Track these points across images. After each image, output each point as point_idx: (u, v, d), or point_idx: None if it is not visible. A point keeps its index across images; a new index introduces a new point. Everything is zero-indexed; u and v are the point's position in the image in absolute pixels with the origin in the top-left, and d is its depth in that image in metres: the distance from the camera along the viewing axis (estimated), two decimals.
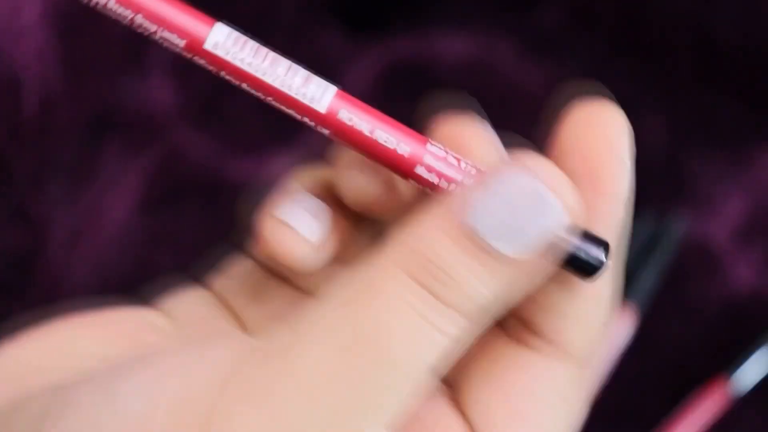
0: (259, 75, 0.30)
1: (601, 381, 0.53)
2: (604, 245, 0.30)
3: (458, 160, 0.31)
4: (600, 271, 0.29)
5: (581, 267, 0.29)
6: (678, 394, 0.53)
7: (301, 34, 0.56)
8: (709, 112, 0.55)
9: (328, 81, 0.31)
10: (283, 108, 0.30)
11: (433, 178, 0.30)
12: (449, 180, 0.30)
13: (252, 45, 0.30)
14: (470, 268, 0.28)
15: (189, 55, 0.30)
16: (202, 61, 0.30)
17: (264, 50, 0.30)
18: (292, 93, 0.30)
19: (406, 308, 0.28)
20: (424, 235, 0.28)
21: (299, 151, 0.55)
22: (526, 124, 0.57)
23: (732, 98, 0.55)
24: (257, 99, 0.30)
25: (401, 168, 0.30)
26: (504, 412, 0.31)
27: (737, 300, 0.54)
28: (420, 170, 0.30)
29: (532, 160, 0.29)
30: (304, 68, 0.31)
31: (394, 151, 0.30)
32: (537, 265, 0.29)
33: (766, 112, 0.55)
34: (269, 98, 0.30)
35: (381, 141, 0.30)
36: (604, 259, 0.30)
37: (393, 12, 0.57)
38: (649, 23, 0.56)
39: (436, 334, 0.28)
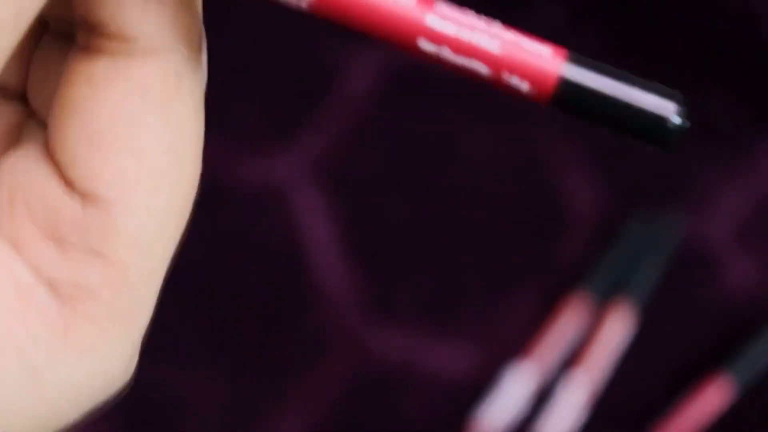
0: None
1: (602, 380, 0.53)
2: (672, 95, 0.24)
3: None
4: (675, 132, 0.24)
5: (648, 130, 0.24)
6: (678, 393, 0.53)
7: (300, 38, 0.56)
8: (709, 113, 0.55)
9: None
10: None
11: (435, 50, 0.25)
12: (472, 26, 0.24)
13: None
14: None
15: None
16: None
17: None
18: None
19: None
20: None
21: (299, 150, 0.55)
22: (523, 122, 0.57)
23: (732, 98, 0.55)
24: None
25: (409, 22, 0.25)
26: (81, 139, 0.27)
27: (736, 299, 0.54)
28: (432, 21, 0.25)
29: None
30: None
31: (396, 3, 0.25)
32: None
33: (766, 112, 0.55)
34: None
35: None
36: (669, 114, 0.24)
37: None
38: (647, 22, 0.56)
39: None
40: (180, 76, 0.27)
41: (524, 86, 0.24)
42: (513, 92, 0.25)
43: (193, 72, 0.27)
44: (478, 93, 0.56)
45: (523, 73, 0.24)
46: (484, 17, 0.25)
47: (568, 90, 0.24)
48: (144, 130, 0.26)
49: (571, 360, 0.53)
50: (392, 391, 0.53)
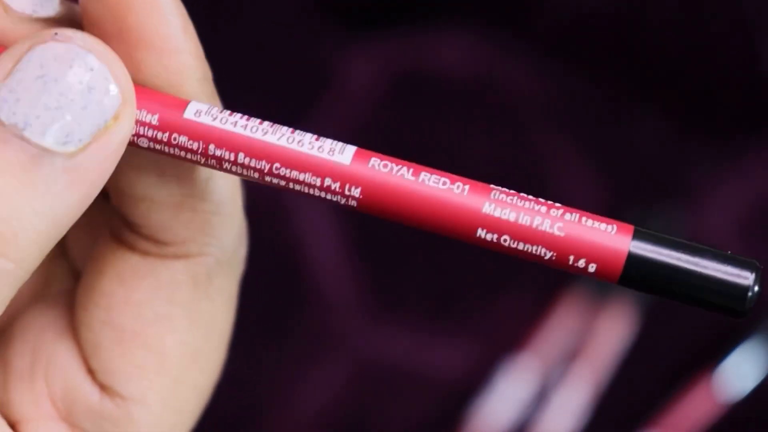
0: (258, 136, 0.24)
1: (602, 378, 0.53)
2: (749, 265, 0.23)
3: (535, 200, 0.24)
4: (749, 301, 0.23)
5: (725, 302, 0.23)
6: (676, 392, 0.53)
7: (300, 38, 0.56)
8: (708, 113, 0.55)
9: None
10: (294, 179, 0.24)
11: (508, 215, 0.24)
12: (531, 213, 0.24)
13: (239, 115, 0.25)
14: (11, 184, 0.23)
15: (163, 137, 0.24)
16: (182, 140, 0.24)
17: (257, 120, 0.25)
18: (305, 149, 0.24)
19: None
20: None
21: None
22: (523, 122, 0.57)
23: (730, 99, 0.56)
24: (258, 180, 0.25)
25: (464, 215, 0.24)
26: (105, 332, 0.26)
27: None
28: (490, 209, 0.24)
29: (58, 32, 0.23)
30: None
31: (450, 192, 0.24)
32: (97, 164, 0.23)
33: (764, 112, 0.55)
34: (274, 166, 0.24)
35: (430, 183, 0.24)
36: (750, 283, 0.23)
37: (393, 14, 0.57)
38: (646, 26, 0.56)
39: None
40: (211, 276, 0.27)
41: (591, 268, 0.23)
42: (579, 272, 0.23)
43: (226, 270, 0.27)
44: (478, 93, 0.56)
45: (590, 256, 0.23)
46: (542, 200, 0.24)
47: (637, 267, 0.23)
48: (168, 330, 0.26)
49: (571, 357, 0.53)
50: (392, 390, 0.53)
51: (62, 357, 0.27)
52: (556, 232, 0.23)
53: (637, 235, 0.23)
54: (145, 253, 0.26)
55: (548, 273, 0.54)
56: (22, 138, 0.23)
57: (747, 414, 0.52)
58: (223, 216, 0.27)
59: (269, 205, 0.54)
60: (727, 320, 0.53)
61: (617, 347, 0.53)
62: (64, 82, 0.23)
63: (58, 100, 0.23)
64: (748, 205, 0.55)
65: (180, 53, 0.25)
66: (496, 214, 0.24)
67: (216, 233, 0.26)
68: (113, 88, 0.23)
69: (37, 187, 0.23)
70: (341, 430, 0.53)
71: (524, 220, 0.23)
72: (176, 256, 0.26)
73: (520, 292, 0.53)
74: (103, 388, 0.26)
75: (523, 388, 0.52)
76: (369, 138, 0.54)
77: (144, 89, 0.24)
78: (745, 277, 0.23)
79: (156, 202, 0.26)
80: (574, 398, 0.52)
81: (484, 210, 0.24)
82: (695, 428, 0.52)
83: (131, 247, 0.26)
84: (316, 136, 0.24)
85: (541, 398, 0.53)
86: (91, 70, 0.23)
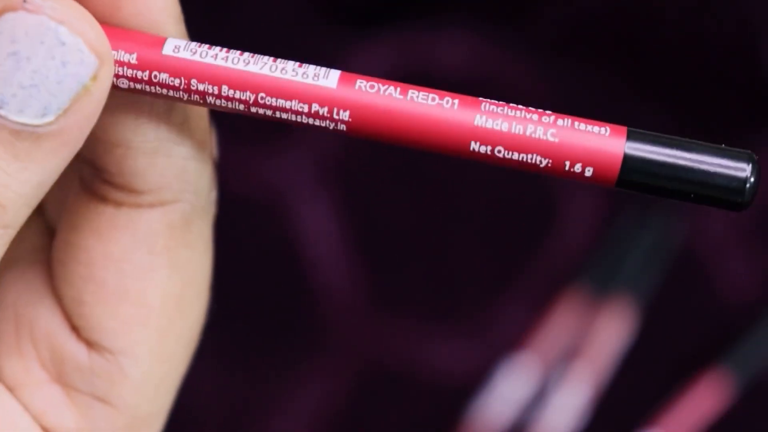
0: (240, 67, 0.24)
1: (602, 377, 0.53)
2: (746, 157, 0.23)
3: (525, 108, 0.24)
4: (748, 192, 0.23)
5: (723, 196, 0.23)
6: (676, 391, 0.53)
7: (300, 38, 0.56)
8: (708, 112, 0.55)
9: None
10: (280, 107, 0.24)
11: (500, 125, 0.23)
12: (524, 121, 0.23)
13: (220, 48, 0.24)
14: None
15: (143, 76, 0.24)
16: (163, 77, 0.24)
17: (238, 51, 0.24)
18: (288, 76, 0.24)
19: None
20: None
21: (299, 148, 0.55)
22: None
23: (730, 99, 0.56)
24: (244, 112, 0.24)
25: (456, 130, 0.24)
26: (86, 289, 0.26)
27: (735, 296, 0.54)
28: (481, 120, 0.23)
29: None
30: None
31: (440, 107, 0.23)
32: (77, 124, 0.23)
33: (764, 112, 0.55)
34: (259, 96, 0.24)
35: (419, 100, 0.23)
36: (747, 174, 0.23)
37: (394, 13, 0.57)
38: (647, 26, 0.56)
39: None
40: (188, 222, 0.26)
41: (588, 172, 0.23)
42: (575, 178, 0.23)
43: (201, 214, 0.27)
44: (480, 92, 0.56)
45: (586, 159, 0.23)
46: (533, 108, 0.24)
47: (634, 168, 0.23)
48: (150, 281, 0.26)
49: (571, 356, 0.53)
50: (392, 389, 0.53)
51: (45, 318, 0.27)
52: (550, 138, 0.23)
53: (632, 136, 0.23)
54: (119, 204, 0.26)
55: (549, 272, 0.53)
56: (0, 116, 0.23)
57: (747, 413, 0.52)
58: (198, 160, 0.26)
59: (269, 205, 0.54)
60: (726, 319, 0.53)
61: (617, 347, 0.53)
62: (37, 60, 0.23)
63: (32, 78, 0.23)
64: (749, 208, 0.55)
65: None
66: (488, 125, 0.23)
67: (191, 178, 0.26)
68: (88, 57, 0.23)
69: (20, 158, 0.23)
70: (341, 430, 0.53)
71: (517, 129, 0.23)
72: (151, 205, 0.26)
73: (520, 291, 0.53)
74: (90, 344, 0.26)
75: (522, 387, 0.52)
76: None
77: (120, 30, 0.24)
78: (742, 169, 0.23)
79: (131, 148, 0.25)
80: (574, 398, 0.52)
81: (476, 122, 0.23)
82: (695, 428, 0.52)
83: (104, 199, 0.26)
84: (299, 63, 0.24)
85: (540, 398, 0.53)
86: (63, 44, 0.23)
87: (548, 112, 0.23)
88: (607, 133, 0.23)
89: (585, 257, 0.54)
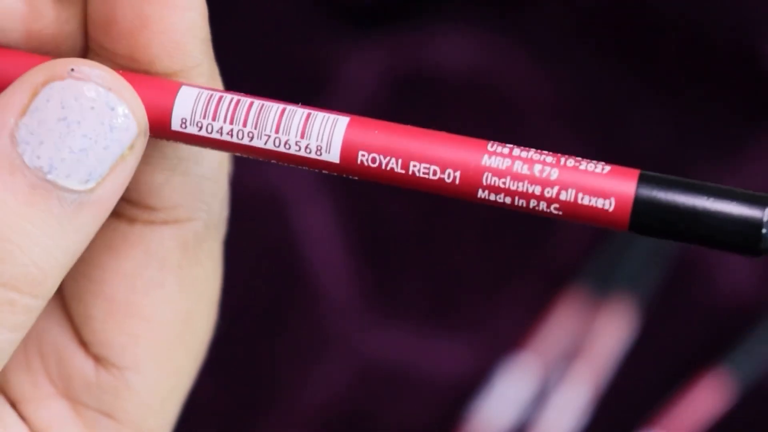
0: (245, 142, 0.25)
1: (603, 377, 0.53)
2: (758, 200, 0.22)
3: (530, 162, 0.24)
4: (765, 239, 0.22)
5: (739, 241, 0.22)
6: (676, 391, 0.53)
7: (299, 37, 0.56)
8: (707, 114, 0.55)
9: (334, 113, 0.25)
10: (292, 167, 0.25)
11: (503, 199, 0.24)
12: (526, 197, 0.23)
13: (226, 104, 0.25)
14: (35, 224, 0.23)
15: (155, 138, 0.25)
16: (173, 141, 0.25)
17: (244, 103, 0.25)
18: (292, 151, 0.25)
19: None
20: None
21: None
22: (522, 121, 0.57)
23: (728, 100, 0.55)
24: (265, 163, 0.26)
25: (459, 196, 0.24)
26: (97, 304, 0.26)
27: (736, 298, 0.54)
28: (484, 194, 0.24)
29: (72, 61, 0.24)
30: (300, 105, 0.26)
31: (442, 181, 0.24)
32: (113, 192, 0.24)
33: (762, 113, 0.55)
34: (272, 160, 0.25)
35: (421, 175, 0.24)
36: (765, 218, 0.22)
37: (394, 13, 0.57)
38: (646, 27, 0.56)
39: None
40: (200, 240, 0.26)
41: (598, 222, 0.23)
42: (587, 223, 0.23)
43: (213, 233, 0.27)
44: (479, 92, 0.56)
45: (594, 223, 0.23)
46: (538, 168, 0.24)
47: (643, 225, 0.23)
48: (160, 297, 0.26)
49: (571, 356, 0.53)
50: (392, 389, 0.53)
51: (54, 332, 0.27)
52: (554, 212, 0.23)
53: (644, 179, 0.23)
54: (133, 220, 0.26)
55: (549, 272, 0.53)
56: (47, 181, 0.23)
57: (747, 413, 0.52)
58: (214, 180, 0.27)
59: (269, 204, 0.54)
60: (726, 319, 0.53)
61: (617, 347, 0.53)
62: (87, 124, 0.23)
63: (82, 142, 0.23)
64: None
65: (190, 10, 0.25)
66: (491, 198, 0.24)
67: (206, 198, 0.26)
68: (132, 123, 0.24)
69: (64, 227, 0.23)
70: (341, 430, 0.53)
71: (520, 203, 0.24)
72: (165, 222, 0.26)
73: (520, 291, 0.53)
74: (98, 359, 0.26)
75: (523, 387, 0.52)
76: None
77: (131, 78, 0.24)
78: (757, 216, 0.22)
79: (149, 165, 0.26)
80: (574, 398, 0.52)
81: (479, 195, 0.24)
82: (696, 428, 0.52)
83: (117, 214, 0.26)
84: (302, 128, 0.25)
85: (541, 398, 0.53)
86: (112, 109, 0.23)
87: (552, 177, 0.23)
88: (612, 207, 0.23)
89: (585, 257, 0.54)
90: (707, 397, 0.52)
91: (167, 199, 0.26)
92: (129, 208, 0.26)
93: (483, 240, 0.54)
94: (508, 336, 0.53)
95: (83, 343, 0.26)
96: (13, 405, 0.27)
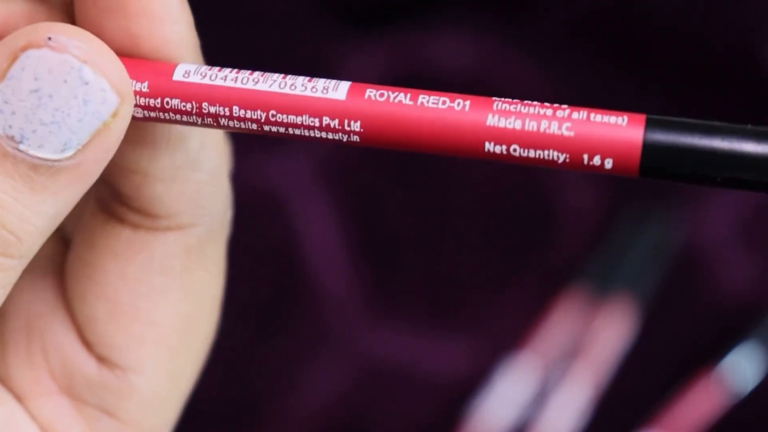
0: (249, 86, 0.24)
1: (603, 377, 0.53)
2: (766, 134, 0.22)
3: (536, 106, 0.23)
4: None
5: (752, 177, 0.22)
6: (675, 391, 0.53)
7: (299, 37, 0.56)
8: (709, 111, 0.55)
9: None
10: (291, 123, 0.24)
11: (514, 123, 0.23)
12: (537, 117, 0.23)
13: (229, 69, 0.25)
14: (6, 191, 0.23)
15: (155, 103, 0.24)
16: (174, 103, 0.24)
17: (247, 71, 0.25)
18: (297, 91, 0.24)
19: None
20: None
21: (302, 150, 0.55)
22: None
23: (728, 102, 0.56)
24: (257, 131, 0.25)
25: (468, 133, 0.23)
26: (100, 307, 0.26)
27: (736, 298, 0.54)
28: (494, 120, 0.23)
29: (51, 27, 0.23)
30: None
31: (452, 110, 0.23)
32: (95, 158, 0.24)
33: (764, 111, 0.55)
34: (270, 114, 0.24)
35: (429, 104, 0.23)
36: None
37: (394, 12, 0.57)
38: (646, 29, 0.56)
39: None
40: (203, 245, 0.27)
41: (608, 164, 0.23)
42: (596, 171, 0.23)
43: (216, 236, 0.27)
44: (480, 92, 0.56)
45: (604, 151, 0.23)
46: (547, 104, 0.23)
47: (655, 156, 0.22)
48: (163, 301, 0.26)
49: (571, 356, 0.53)
50: (391, 389, 0.53)
51: (57, 330, 0.27)
52: (566, 133, 0.23)
53: (651, 123, 0.23)
54: (136, 226, 0.26)
55: (549, 272, 0.53)
56: (19, 150, 0.23)
57: (747, 413, 0.52)
58: (215, 185, 0.27)
59: (269, 204, 0.54)
60: (726, 319, 0.53)
61: (617, 347, 0.53)
62: (59, 97, 0.23)
63: (54, 115, 0.23)
64: (749, 203, 0.55)
65: (178, 23, 0.25)
66: (501, 124, 0.23)
67: (207, 202, 0.27)
68: (110, 96, 0.23)
69: (38, 192, 0.23)
70: (340, 430, 0.53)
71: (531, 126, 0.23)
72: (168, 229, 0.26)
73: (519, 291, 0.53)
74: (101, 359, 0.26)
75: (522, 387, 0.52)
76: None
77: (133, 60, 0.24)
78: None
79: (148, 176, 0.26)
80: (574, 398, 0.52)
81: (488, 122, 0.23)
82: (696, 428, 0.52)
83: (121, 220, 0.26)
84: (309, 78, 0.24)
85: (541, 398, 0.53)
86: (86, 83, 0.23)
87: (564, 106, 0.23)
88: (625, 123, 0.23)
89: (585, 257, 0.54)
90: (707, 397, 0.52)
91: (169, 207, 0.26)
92: (132, 215, 0.26)
93: (483, 240, 0.54)
94: (508, 336, 0.53)
95: (86, 343, 0.27)
96: (18, 400, 0.27)
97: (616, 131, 0.23)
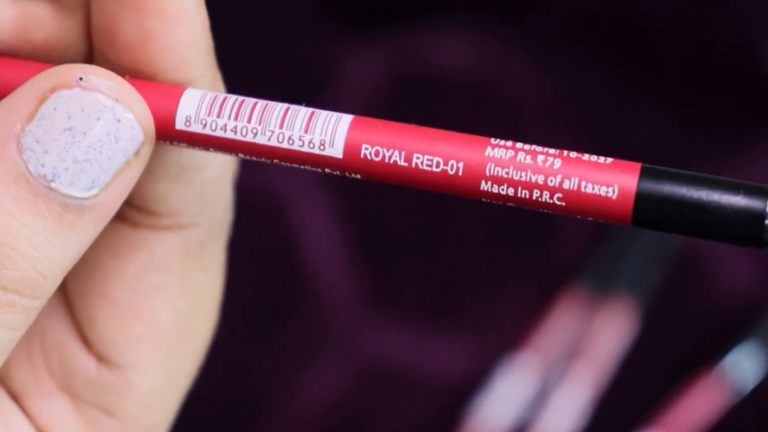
0: (249, 139, 0.24)
1: (601, 382, 0.53)
2: (761, 191, 0.23)
3: (533, 153, 0.24)
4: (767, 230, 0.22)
5: (741, 233, 0.22)
6: (675, 391, 0.53)
7: (299, 36, 0.56)
8: (709, 111, 0.55)
9: (336, 112, 0.25)
10: (295, 166, 0.25)
11: (506, 191, 0.24)
12: (529, 186, 0.24)
13: (230, 103, 0.25)
14: (37, 230, 0.23)
15: (162, 141, 0.25)
16: (181, 144, 0.25)
17: (248, 103, 0.25)
18: (295, 147, 0.24)
19: None
20: None
21: None
22: (522, 120, 0.57)
23: (728, 102, 0.56)
24: (265, 164, 0.26)
25: (463, 191, 0.25)
26: (100, 305, 0.27)
27: (736, 298, 0.54)
28: (487, 186, 0.24)
29: (80, 68, 0.24)
30: (304, 104, 0.25)
31: (445, 173, 0.24)
32: (116, 197, 0.24)
33: (762, 115, 0.55)
34: (274, 160, 0.25)
35: (424, 167, 0.24)
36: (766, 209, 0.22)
37: (394, 12, 0.57)
38: (646, 29, 0.56)
39: None
40: (203, 245, 0.27)
41: (600, 220, 0.23)
42: (590, 216, 0.23)
43: (216, 237, 0.28)
44: (479, 92, 0.56)
45: (595, 216, 0.23)
46: (540, 158, 0.24)
47: (645, 220, 0.23)
48: (162, 300, 0.27)
49: (571, 356, 0.53)
50: (391, 389, 0.53)
51: (57, 328, 0.27)
52: (557, 203, 0.23)
53: (639, 199, 0.23)
54: (137, 225, 0.26)
55: (549, 272, 0.53)
56: (50, 189, 0.23)
57: (747, 413, 0.52)
58: (218, 186, 0.27)
59: (269, 205, 0.54)
60: (726, 319, 0.53)
61: (617, 347, 0.53)
62: (93, 135, 0.23)
63: (87, 153, 0.23)
64: None
65: (192, 24, 0.25)
66: (494, 190, 0.24)
67: (210, 203, 0.27)
68: (138, 133, 0.24)
69: (65, 230, 0.23)
70: (340, 430, 0.53)
71: (523, 194, 0.24)
72: (169, 227, 0.27)
73: (519, 291, 0.53)
74: (100, 358, 0.27)
75: (522, 387, 0.52)
76: None
77: (137, 85, 0.25)
78: (759, 206, 0.22)
79: (152, 174, 0.26)
80: (574, 398, 0.52)
81: (482, 187, 0.24)
82: (696, 427, 0.52)
83: (122, 218, 0.26)
84: (306, 124, 0.24)
85: (541, 398, 0.53)
86: (118, 121, 0.23)
87: (556, 167, 0.23)
88: (615, 195, 0.23)
89: (585, 257, 0.54)
90: (707, 397, 0.52)
91: (171, 205, 0.26)
92: (133, 212, 0.26)
93: (483, 240, 0.54)
94: (508, 336, 0.53)
95: (86, 342, 0.27)
96: (15, 399, 0.27)
97: (606, 203, 0.23)
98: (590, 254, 0.54)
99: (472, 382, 0.53)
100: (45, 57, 0.26)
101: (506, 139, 0.25)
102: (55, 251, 0.23)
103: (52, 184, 0.23)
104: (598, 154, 0.55)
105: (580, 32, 0.56)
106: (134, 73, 0.25)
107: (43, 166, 0.23)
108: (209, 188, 0.27)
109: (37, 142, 0.23)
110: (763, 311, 0.53)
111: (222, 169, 0.27)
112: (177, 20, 0.25)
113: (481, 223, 0.54)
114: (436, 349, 0.53)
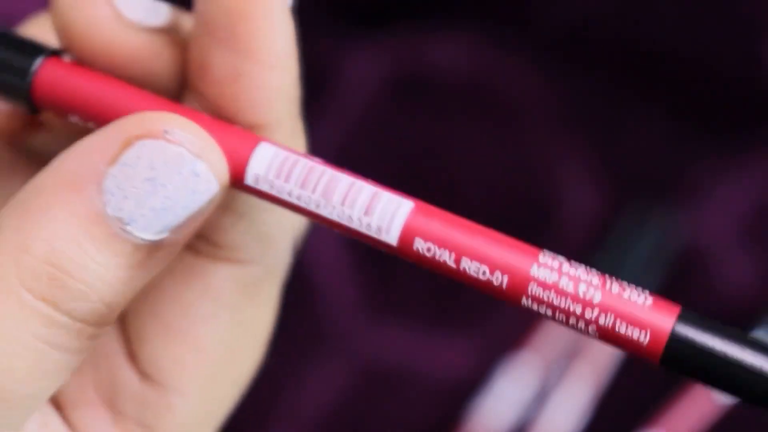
0: (311, 208, 0.25)
1: (601, 382, 0.53)
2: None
3: (575, 280, 0.25)
4: None
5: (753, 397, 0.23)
6: (678, 392, 0.53)
7: (298, 36, 0.56)
8: (709, 113, 0.55)
9: (399, 195, 0.27)
10: (352, 237, 0.26)
11: (545, 311, 0.25)
12: (567, 314, 0.24)
13: (299, 169, 0.26)
14: (109, 268, 0.24)
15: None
16: (246, 192, 0.26)
17: (317, 171, 0.26)
18: (354, 226, 0.26)
19: (26, 339, 0.24)
20: (47, 228, 0.24)
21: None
22: (522, 120, 0.57)
23: (731, 99, 0.56)
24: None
25: (504, 299, 0.25)
26: (151, 324, 0.27)
27: (737, 298, 0.54)
28: (527, 303, 0.25)
29: (166, 120, 0.24)
30: (368, 181, 0.26)
31: (489, 283, 0.25)
32: (185, 237, 0.25)
33: (762, 117, 0.55)
34: (332, 228, 0.26)
35: (470, 272, 0.26)
36: None
37: (393, 13, 0.57)
38: (647, 27, 0.56)
39: (61, 356, 0.24)
40: (258, 284, 0.28)
41: (631, 351, 0.24)
42: (619, 350, 0.24)
43: (273, 279, 0.28)
44: (479, 94, 0.56)
45: (625, 351, 0.24)
46: (582, 290, 0.25)
47: (678, 351, 0.23)
48: (211, 330, 0.27)
49: (571, 356, 0.53)
50: (391, 389, 0.53)
51: (107, 342, 0.27)
52: (591, 333, 0.24)
53: (679, 323, 0.24)
54: (197, 252, 0.27)
55: None
56: (125, 231, 0.24)
57: (748, 413, 0.52)
58: (281, 230, 0.28)
59: None
60: (726, 319, 0.53)
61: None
62: (172, 187, 0.24)
63: (164, 203, 0.24)
64: (749, 204, 0.55)
65: (282, 71, 0.26)
66: (534, 308, 0.24)
67: (270, 245, 0.27)
68: (214, 186, 0.25)
69: (135, 269, 0.24)
70: (340, 430, 0.53)
71: (560, 317, 0.24)
72: (227, 260, 0.27)
73: None
74: (144, 375, 0.27)
75: (523, 387, 0.52)
76: (368, 138, 0.54)
77: (215, 126, 0.25)
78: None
79: (220, 206, 0.27)
80: (574, 398, 0.52)
81: (522, 303, 0.25)
82: (696, 428, 0.52)
83: (186, 245, 0.27)
84: (367, 206, 0.26)
85: (541, 398, 0.53)
86: (197, 176, 0.24)
87: (595, 301, 0.24)
88: (646, 341, 0.24)
89: (585, 257, 0.54)
90: (707, 397, 0.52)
91: (232, 239, 0.27)
92: (197, 241, 0.27)
93: None
94: (508, 336, 0.53)
95: (133, 357, 0.27)
96: (58, 408, 0.27)
97: (636, 345, 0.24)
98: (590, 254, 0.54)
99: (472, 382, 0.53)
100: (142, 78, 0.27)
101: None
102: (125, 287, 0.24)
103: (128, 227, 0.24)
104: (596, 154, 0.55)
105: (579, 35, 0.56)
106: (218, 108, 0.26)
107: (120, 210, 0.24)
108: (272, 230, 0.27)
109: (118, 187, 0.24)
110: (763, 311, 0.53)
111: (287, 214, 0.28)
112: (267, 64, 0.26)
113: (480, 223, 0.54)
114: (436, 349, 0.53)
